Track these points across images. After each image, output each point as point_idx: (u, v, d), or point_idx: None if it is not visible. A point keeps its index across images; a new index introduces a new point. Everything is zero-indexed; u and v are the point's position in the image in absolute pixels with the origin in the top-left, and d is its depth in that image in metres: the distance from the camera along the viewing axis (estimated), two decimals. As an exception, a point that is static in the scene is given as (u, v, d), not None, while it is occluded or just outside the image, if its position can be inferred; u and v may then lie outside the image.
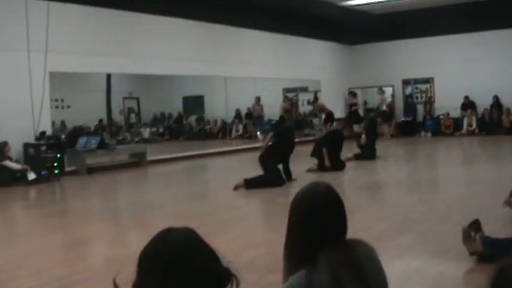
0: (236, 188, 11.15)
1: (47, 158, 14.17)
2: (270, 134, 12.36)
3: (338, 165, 13.85)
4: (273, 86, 26.15)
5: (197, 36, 19.98)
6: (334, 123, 16.07)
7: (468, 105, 24.49)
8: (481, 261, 5.45)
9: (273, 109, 26.29)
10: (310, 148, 14.45)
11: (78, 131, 20.67)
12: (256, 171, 11.69)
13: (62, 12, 15.36)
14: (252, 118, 26.80)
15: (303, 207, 2.52)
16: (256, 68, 22.34)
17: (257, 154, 12.10)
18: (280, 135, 12.11)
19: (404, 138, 24.32)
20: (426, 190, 11.18)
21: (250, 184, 11.22)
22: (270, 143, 11.97)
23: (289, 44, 23.97)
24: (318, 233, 2.44)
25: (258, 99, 26.35)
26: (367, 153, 15.79)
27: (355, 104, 25.28)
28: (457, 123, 24.65)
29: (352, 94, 25.28)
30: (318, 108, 25.58)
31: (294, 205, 2.56)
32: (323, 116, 24.76)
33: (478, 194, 9.86)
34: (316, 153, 14.10)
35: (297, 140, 12.98)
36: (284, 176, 11.91)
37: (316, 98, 26.08)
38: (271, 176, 11.55)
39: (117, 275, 1.98)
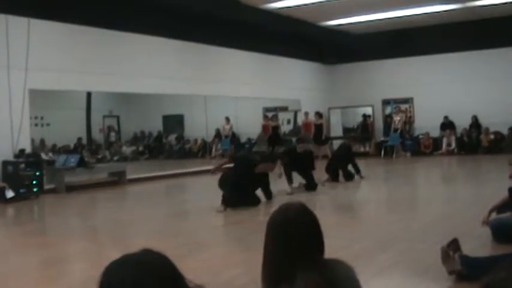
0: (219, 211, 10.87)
1: (26, 176, 14.05)
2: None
3: (311, 185, 13.76)
4: (253, 105, 26.19)
5: (177, 55, 19.99)
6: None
7: (447, 125, 24.70)
8: (460, 280, 5.47)
9: (252, 129, 26.32)
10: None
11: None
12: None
13: (42, 29, 15.31)
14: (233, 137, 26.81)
15: (277, 228, 2.53)
16: (236, 87, 22.36)
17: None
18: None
19: (383, 158, 24.47)
20: (405, 209, 11.20)
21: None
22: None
23: (269, 63, 24.05)
24: (294, 253, 2.44)
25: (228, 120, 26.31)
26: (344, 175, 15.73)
27: (321, 125, 25.20)
28: (436, 143, 24.84)
29: (319, 115, 25.22)
30: (304, 125, 25.57)
31: (269, 226, 2.57)
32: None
33: (456, 213, 9.91)
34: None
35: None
36: (264, 195, 11.84)
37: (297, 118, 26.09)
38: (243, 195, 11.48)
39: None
